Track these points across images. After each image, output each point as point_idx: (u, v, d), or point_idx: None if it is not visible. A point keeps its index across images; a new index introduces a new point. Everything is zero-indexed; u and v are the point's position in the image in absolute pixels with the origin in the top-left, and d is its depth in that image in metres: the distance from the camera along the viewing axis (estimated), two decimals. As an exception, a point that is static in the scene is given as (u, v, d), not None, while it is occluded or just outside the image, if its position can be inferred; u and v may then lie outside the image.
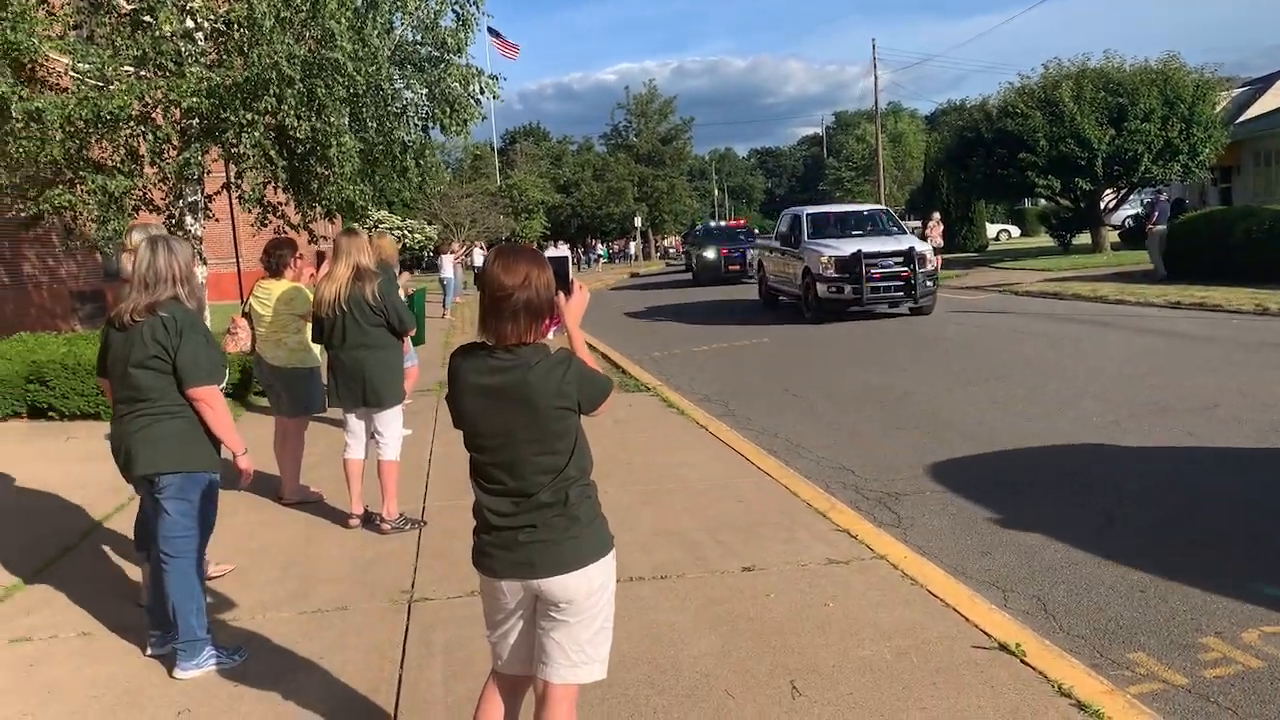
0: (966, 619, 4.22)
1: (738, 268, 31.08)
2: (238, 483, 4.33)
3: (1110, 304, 17.35)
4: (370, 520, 5.99)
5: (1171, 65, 28.05)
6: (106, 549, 5.90)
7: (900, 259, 16.91)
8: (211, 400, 4.02)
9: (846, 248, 17.10)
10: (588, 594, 2.63)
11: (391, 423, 5.87)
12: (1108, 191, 30.31)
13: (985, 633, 4.08)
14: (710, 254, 32.34)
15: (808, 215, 19.40)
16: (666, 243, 76.03)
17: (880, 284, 16.87)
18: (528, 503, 2.61)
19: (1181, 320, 14.47)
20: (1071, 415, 8.50)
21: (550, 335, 2.78)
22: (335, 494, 6.58)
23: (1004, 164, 29.30)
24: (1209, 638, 4.13)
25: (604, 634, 2.72)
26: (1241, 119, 36.36)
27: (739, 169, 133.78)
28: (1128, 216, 37.72)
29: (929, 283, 17.11)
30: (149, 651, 4.29)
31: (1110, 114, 27.62)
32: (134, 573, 5.28)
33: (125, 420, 4.05)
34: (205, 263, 12.70)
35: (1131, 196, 33.81)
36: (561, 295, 2.79)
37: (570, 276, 2.85)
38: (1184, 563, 4.97)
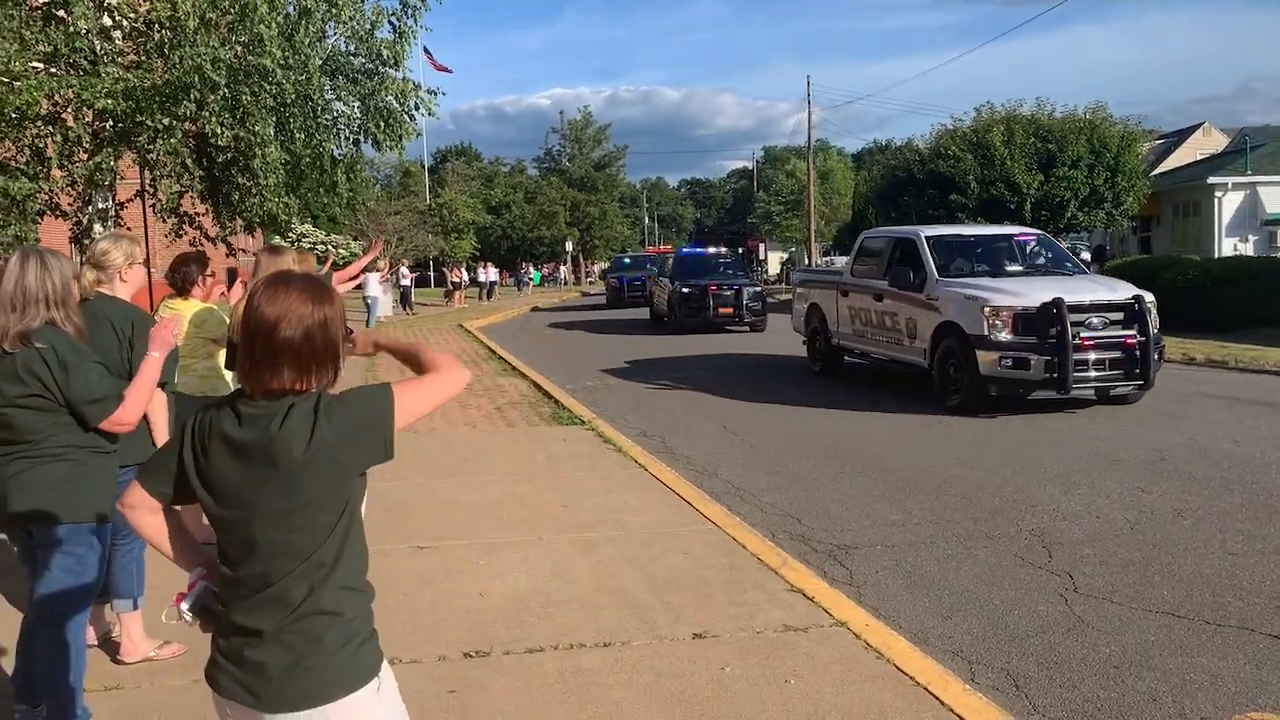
0: (940, 701, 3.86)
1: (730, 310, 22.62)
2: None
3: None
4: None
5: (1099, 115, 28.70)
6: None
7: (1121, 316, 10.53)
8: (126, 418, 3.53)
9: (1029, 293, 10.62)
10: None
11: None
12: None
13: (962, 719, 3.73)
14: (692, 290, 22.88)
15: (928, 239, 12.21)
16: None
17: (1092, 356, 10.34)
18: (262, 597, 2.02)
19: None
20: (1019, 466, 8.29)
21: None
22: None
23: (935, 204, 29.61)
24: (1196, 725, 3.84)
25: None
26: (1158, 171, 37.51)
27: (669, 199, 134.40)
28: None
29: (1157, 355, 10.80)
30: (14, 728, 3.71)
31: (1040, 160, 28.13)
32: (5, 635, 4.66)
33: (2, 462, 3.50)
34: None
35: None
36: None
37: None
38: (1155, 637, 4.70)
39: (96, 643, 4.47)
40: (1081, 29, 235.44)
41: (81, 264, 4.28)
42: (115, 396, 3.50)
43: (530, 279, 58.27)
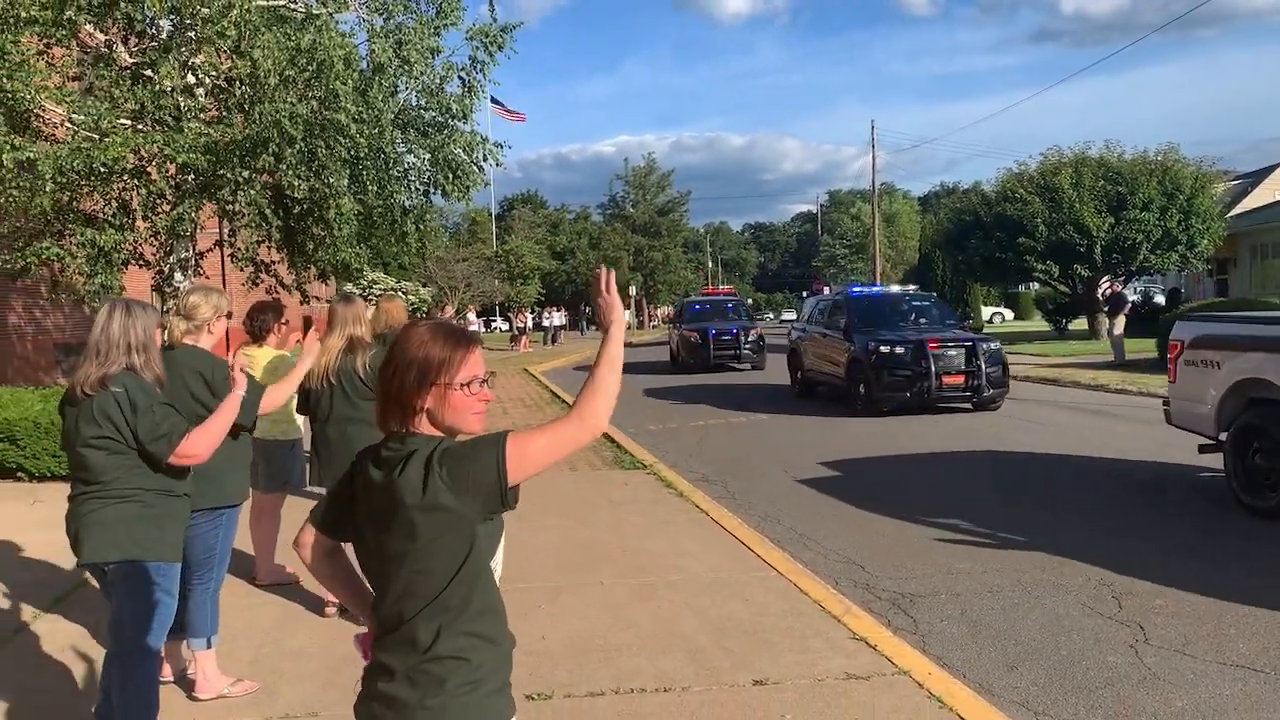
0: (1004, 753, 3.81)
1: (961, 378, 14.58)
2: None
3: (1111, 393, 17.08)
4: (348, 609, 5.56)
5: (1170, 157, 28.32)
6: (60, 637, 5.44)
7: None
8: (197, 447, 3.72)
9: None
10: None
11: (377, 504, 5.47)
12: (1105, 278, 30.41)
13: (1026, 771, 3.67)
14: (895, 348, 14.78)
15: None
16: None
17: None
18: (395, 637, 2.11)
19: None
20: (1093, 515, 8.13)
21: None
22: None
23: (1002, 247, 29.37)
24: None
25: None
26: (1235, 212, 36.69)
27: (733, 243, 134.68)
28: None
29: None
30: (93, 762, 3.85)
31: (1109, 202, 27.78)
32: (88, 669, 4.84)
33: (78, 501, 3.72)
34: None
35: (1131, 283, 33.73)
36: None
37: None
38: (1230, 691, 4.57)
39: (173, 679, 4.61)
40: (1155, 69, 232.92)
41: (169, 313, 4.50)
42: (179, 433, 3.67)
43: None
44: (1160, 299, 35.80)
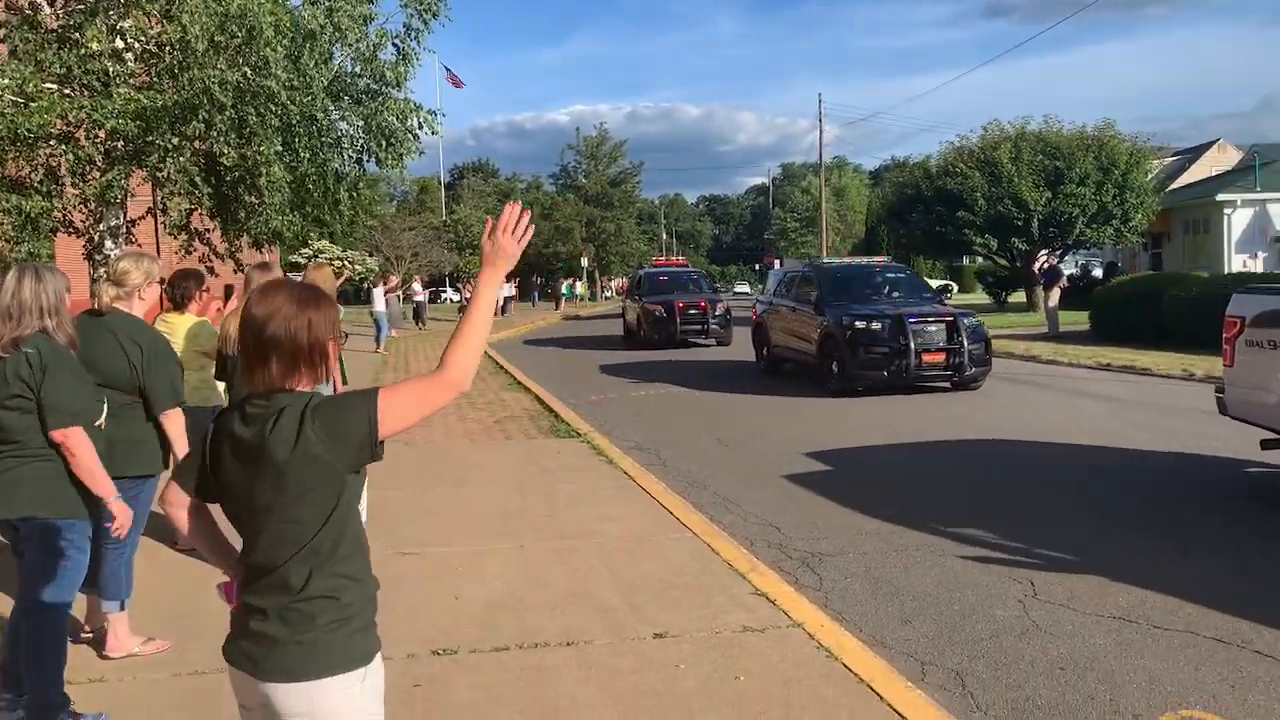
0: (881, 697, 4.04)
1: (941, 356, 13.86)
2: (109, 532, 4.02)
3: (1043, 364, 17.55)
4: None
5: (1107, 132, 28.88)
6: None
7: None
8: (73, 444, 3.75)
9: None
10: (309, 716, 2.18)
11: (294, 469, 5.57)
12: (1043, 251, 31.04)
13: (901, 715, 3.90)
14: (871, 325, 14.05)
15: None
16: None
17: None
18: (268, 581, 2.22)
19: (1114, 383, 14.63)
20: (1000, 477, 8.43)
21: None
22: (237, 539, 6.24)
23: (943, 221, 29.82)
24: (1128, 723, 3.99)
25: None
26: (1172, 188, 37.55)
27: (687, 215, 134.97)
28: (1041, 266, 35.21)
29: None
30: (-2, 717, 3.94)
31: (1047, 177, 28.30)
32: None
33: None
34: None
35: (1068, 257, 34.41)
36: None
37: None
38: (1104, 640, 4.85)
39: (91, 634, 4.71)
40: (1106, 45, 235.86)
41: (100, 279, 4.56)
42: (74, 414, 3.75)
43: (566, 295, 56.30)
44: (1099, 272, 36.55)
